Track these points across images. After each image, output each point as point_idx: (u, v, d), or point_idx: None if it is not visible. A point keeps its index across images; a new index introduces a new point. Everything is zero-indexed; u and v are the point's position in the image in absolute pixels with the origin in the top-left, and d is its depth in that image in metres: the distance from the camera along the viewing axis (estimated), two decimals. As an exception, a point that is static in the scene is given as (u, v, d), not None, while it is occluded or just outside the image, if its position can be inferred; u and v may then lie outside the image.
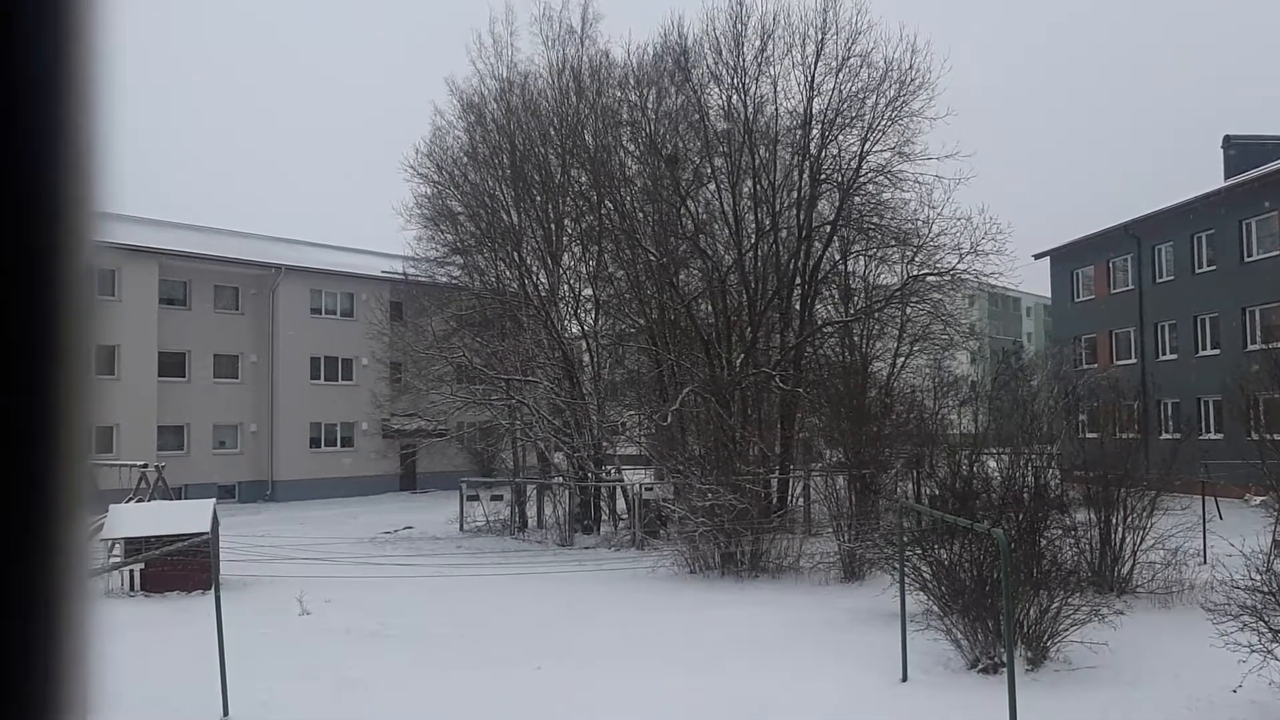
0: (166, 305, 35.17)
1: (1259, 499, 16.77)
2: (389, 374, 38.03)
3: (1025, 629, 10.71)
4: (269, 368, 37.97)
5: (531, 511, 26.64)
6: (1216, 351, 31.44)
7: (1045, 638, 10.86)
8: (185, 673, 10.55)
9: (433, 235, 29.94)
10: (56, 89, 0.51)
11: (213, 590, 10.22)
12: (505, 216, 27.53)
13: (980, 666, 10.78)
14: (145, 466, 24.28)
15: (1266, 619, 8.98)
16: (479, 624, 14.11)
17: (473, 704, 10.04)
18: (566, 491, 25.13)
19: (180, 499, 23.87)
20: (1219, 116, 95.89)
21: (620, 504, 24.91)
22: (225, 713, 9.37)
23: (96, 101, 0.52)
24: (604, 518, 25.26)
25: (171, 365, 35.31)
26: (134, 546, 16.14)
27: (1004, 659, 9.06)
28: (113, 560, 15.79)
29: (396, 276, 34.26)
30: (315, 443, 39.25)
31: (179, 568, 16.17)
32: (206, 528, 15.51)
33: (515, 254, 27.22)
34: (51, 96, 0.51)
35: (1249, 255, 30.71)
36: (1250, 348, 28.96)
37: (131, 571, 16.69)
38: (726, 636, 12.81)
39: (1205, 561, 14.65)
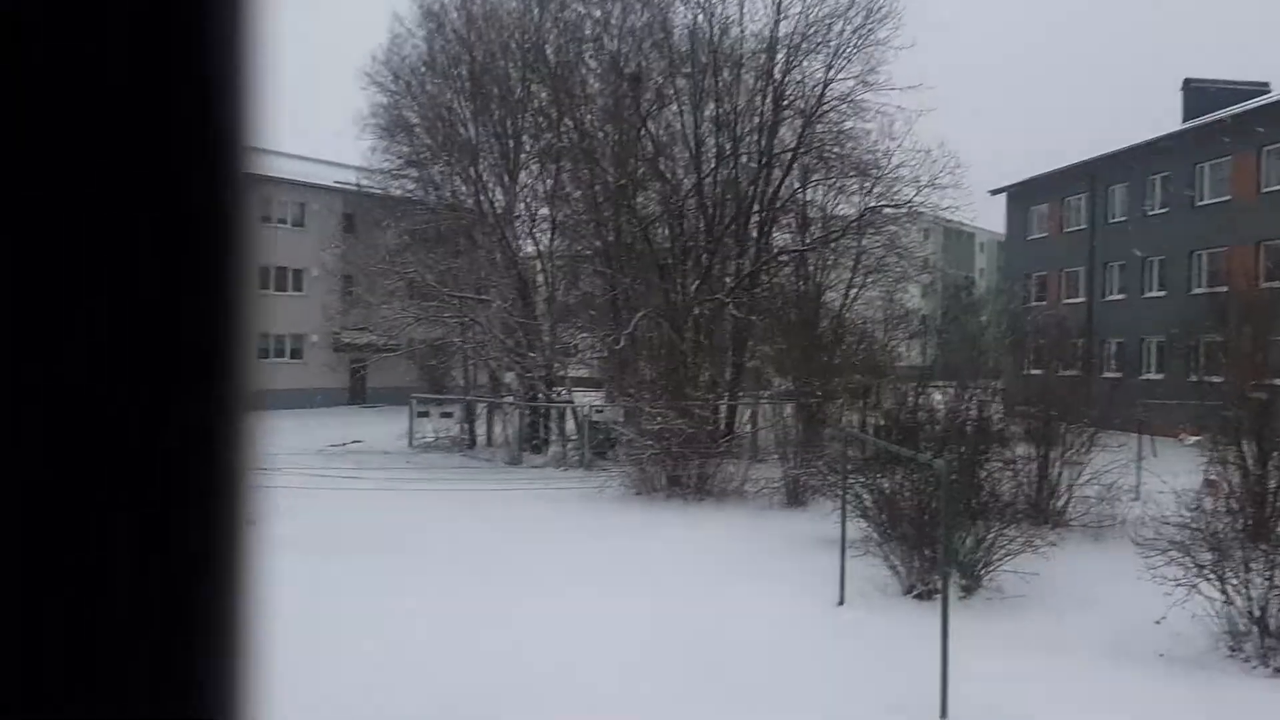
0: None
1: (1193, 439, 17.17)
2: (340, 287, 37.47)
3: (961, 557, 10.95)
4: (217, 276, 37.21)
5: (481, 430, 26.67)
6: (1163, 293, 31.95)
7: (979, 566, 11.12)
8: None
9: (388, 146, 29.31)
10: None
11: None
12: (462, 130, 27.01)
13: (915, 592, 11.03)
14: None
15: (1193, 554, 9.25)
16: (425, 539, 14.15)
17: (414, 620, 10.09)
18: (517, 411, 25.14)
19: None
20: (1184, 57, 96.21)
21: (570, 425, 24.99)
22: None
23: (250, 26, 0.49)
24: (553, 438, 25.35)
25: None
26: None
27: (939, 585, 9.27)
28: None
29: (349, 187, 33.58)
30: (263, 353, 38.40)
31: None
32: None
33: (472, 169, 26.78)
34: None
35: (1201, 199, 31.07)
36: (1195, 290, 29.45)
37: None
38: (669, 558, 12.97)
39: (1138, 498, 15.02)
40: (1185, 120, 34.37)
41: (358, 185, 31.83)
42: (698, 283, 23.59)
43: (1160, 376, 29.36)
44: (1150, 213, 33.32)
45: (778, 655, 9.10)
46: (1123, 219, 34.86)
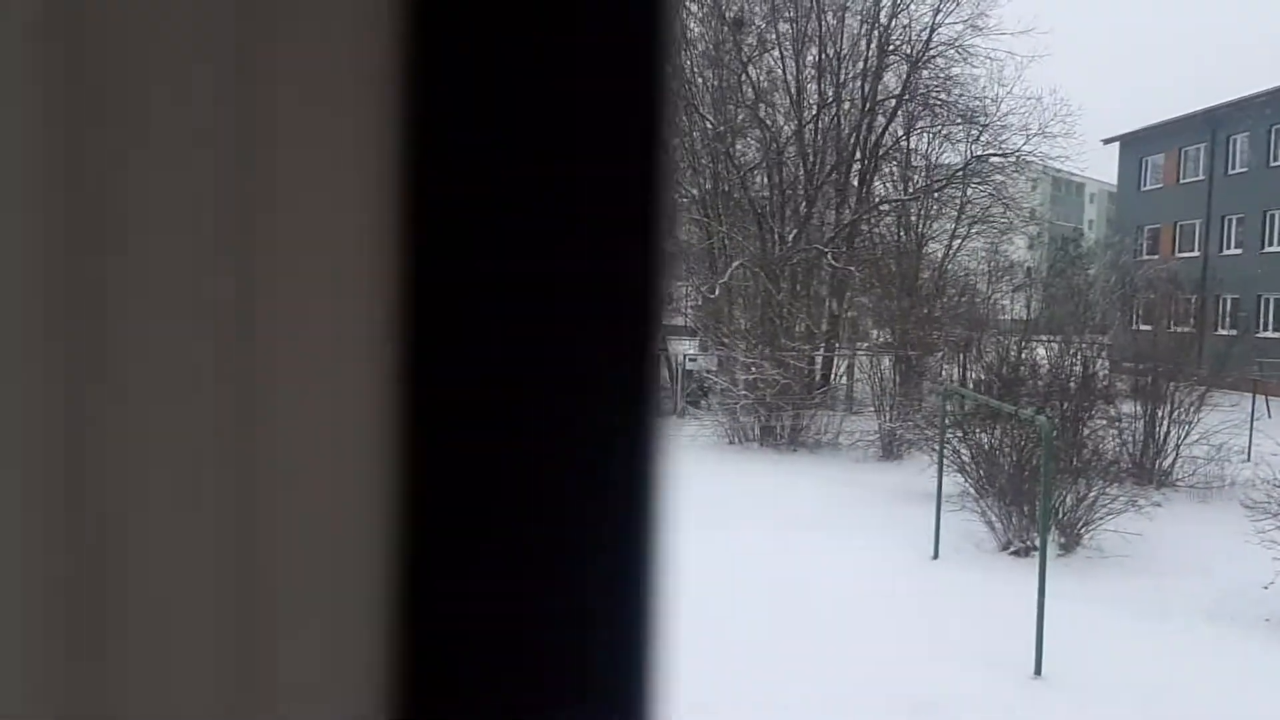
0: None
1: (1312, 400, 16.55)
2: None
3: (1060, 515, 10.80)
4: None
5: (576, 375, 26.98)
6: (1284, 248, 30.57)
7: (1080, 525, 10.95)
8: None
9: (488, 93, 29.52)
10: None
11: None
12: (561, 76, 26.99)
13: (1012, 549, 10.92)
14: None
15: (1306, 519, 8.98)
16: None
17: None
18: (611, 357, 25.32)
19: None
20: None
21: (663, 373, 25.11)
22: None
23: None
24: (647, 385, 25.43)
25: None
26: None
27: (1036, 543, 9.17)
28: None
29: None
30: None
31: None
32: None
33: (570, 116, 26.77)
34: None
35: (1330, 150, 29.53)
36: (1321, 246, 28.12)
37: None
38: (761, 508, 13.04)
39: (1249, 459, 14.56)
40: (1317, 65, 32.56)
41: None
42: (796, 232, 23.34)
43: (1278, 335, 28.19)
44: (1273, 163, 31.78)
45: (870, 607, 9.13)
46: (1243, 170, 33.32)
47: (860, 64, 24.24)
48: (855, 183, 24.86)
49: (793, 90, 24.32)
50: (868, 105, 24.03)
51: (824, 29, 23.85)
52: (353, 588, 0.48)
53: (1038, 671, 7.66)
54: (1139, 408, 14.84)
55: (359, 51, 0.46)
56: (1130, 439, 14.32)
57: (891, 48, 23.94)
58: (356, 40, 0.46)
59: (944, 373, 18.30)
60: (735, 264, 23.01)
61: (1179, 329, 18.62)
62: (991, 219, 25.13)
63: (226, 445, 0.46)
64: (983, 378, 15.15)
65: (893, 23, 23.77)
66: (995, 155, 24.11)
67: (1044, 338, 15.97)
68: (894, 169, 25.84)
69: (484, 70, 0.48)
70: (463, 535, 0.49)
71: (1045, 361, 14.37)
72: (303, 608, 0.47)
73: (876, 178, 25.43)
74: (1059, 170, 27.26)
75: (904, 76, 23.96)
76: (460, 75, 0.48)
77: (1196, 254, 34.82)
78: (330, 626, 0.48)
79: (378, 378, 0.47)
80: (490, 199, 0.48)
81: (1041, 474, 9.20)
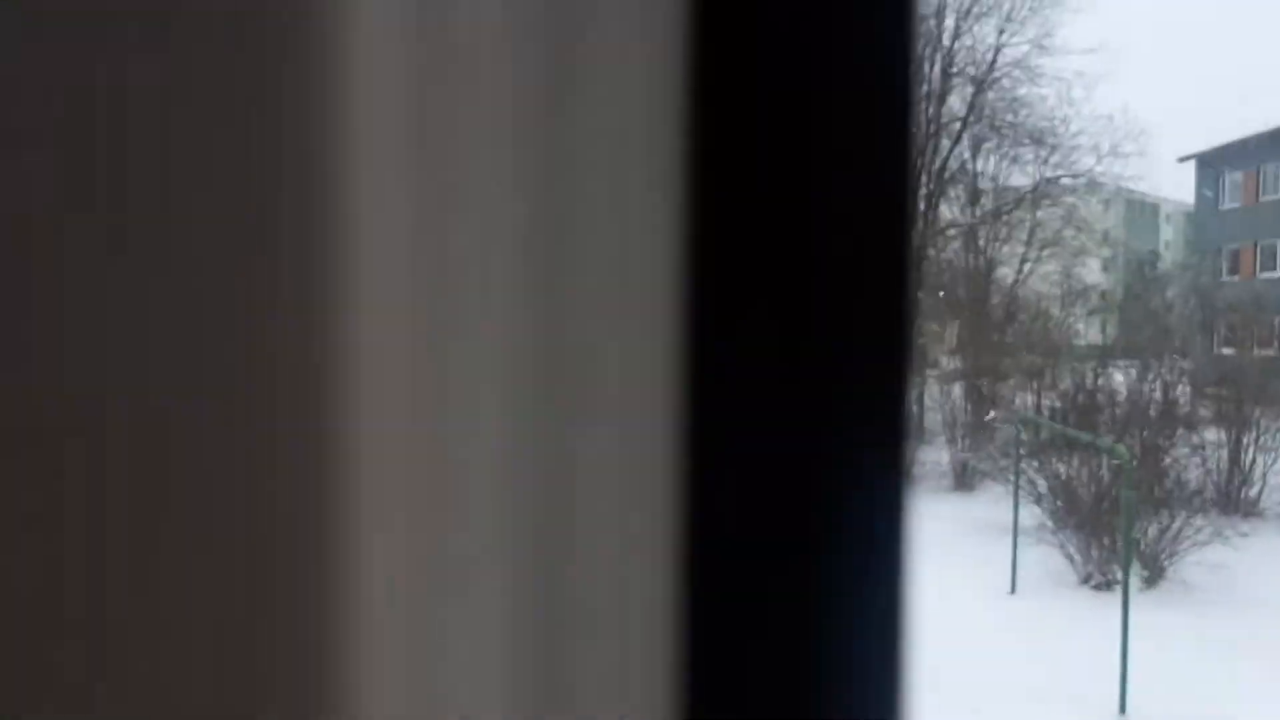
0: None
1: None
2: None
3: (1142, 548, 10.49)
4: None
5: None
6: (1374, 267, 29.54)
7: (1163, 557, 10.63)
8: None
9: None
10: None
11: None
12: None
13: (1093, 582, 10.63)
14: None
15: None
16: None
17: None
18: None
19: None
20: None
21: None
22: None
23: None
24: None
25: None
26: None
27: (1117, 576, 8.92)
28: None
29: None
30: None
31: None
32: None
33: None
34: None
35: None
36: None
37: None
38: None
39: (1342, 487, 14.04)
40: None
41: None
42: (861, 258, 23.18)
43: (1369, 356, 27.20)
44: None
45: (946, 643, 8.93)
46: (1328, 186, 32.34)
47: (924, 87, 24.07)
48: (921, 207, 24.61)
49: (855, 116, 24.22)
50: (932, 128, 23.83)
51: (886, 54, 23.79)
52: (641, 589, 0.49)
53: (1122, 710, 7.43)
54: (1223, 435, 14.41)
55: (649, 64, 0.47)
56: (1214, 467, 13.89)
57: (955, 70, 23.76)
58: (647, 55, 0.47)
59: (1017, 400, 17.95)
60: (800, 291, 22.91)
61: (1264, 352, 18.04)
62: (1063, 242, 24.72)
63: (536, 448, 0.47)
64: (1058, 405, 14.83)
65: (956, 45, 23.62)
66: (1066, 176, 23.76)
67: (1122, 363, 15.60)
68: (960, 192, 25.56)
69: (768, 79, 0.48)
70: (742, 542, 0.50)
71: (1123, 388, 14.04)
72: (596, 609, 0.49)
73: (943, 201, 25.16)
74: (1132, 191, 26.79)
75: (969, 99, 23.75)
76: (744, 84, 0.48)
77: (1280, 274, 33.77)
78: (621, 627, 0.49)
79: (662, 383, 0.48)
80: (767, 206, 0.49)
81: (1122, 505, 8.97)
